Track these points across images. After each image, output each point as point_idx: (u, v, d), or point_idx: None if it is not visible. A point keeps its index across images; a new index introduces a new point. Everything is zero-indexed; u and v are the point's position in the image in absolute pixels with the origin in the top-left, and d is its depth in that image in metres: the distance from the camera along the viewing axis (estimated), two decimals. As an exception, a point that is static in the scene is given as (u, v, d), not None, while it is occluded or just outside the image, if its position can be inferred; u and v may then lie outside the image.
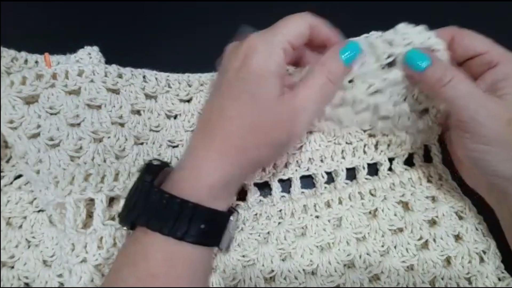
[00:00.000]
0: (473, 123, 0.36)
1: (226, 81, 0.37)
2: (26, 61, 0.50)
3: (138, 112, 0.45)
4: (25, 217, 0.42)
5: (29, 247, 0.41)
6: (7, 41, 0.52)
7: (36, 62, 0.51)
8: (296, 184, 0.44)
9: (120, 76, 0.45)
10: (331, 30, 0.40)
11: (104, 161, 0.41)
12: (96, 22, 0.57)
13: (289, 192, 0.44)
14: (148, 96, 0.46)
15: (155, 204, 0.34)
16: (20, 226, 0.42)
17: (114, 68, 0.44)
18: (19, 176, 0.44)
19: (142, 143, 0.44)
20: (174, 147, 0.46)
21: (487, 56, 0.39)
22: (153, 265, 0.33)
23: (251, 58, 0.36)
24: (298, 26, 0.37)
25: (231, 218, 0.38)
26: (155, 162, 0.38)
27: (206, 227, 0.35)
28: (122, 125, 0.44)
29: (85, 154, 0.41)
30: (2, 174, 0.44)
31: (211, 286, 0.39)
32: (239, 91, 0.36)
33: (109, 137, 0.42)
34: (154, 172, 0.37)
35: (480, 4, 0.55)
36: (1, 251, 0.40)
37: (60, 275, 0.39)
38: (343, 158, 0.45)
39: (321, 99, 0.38)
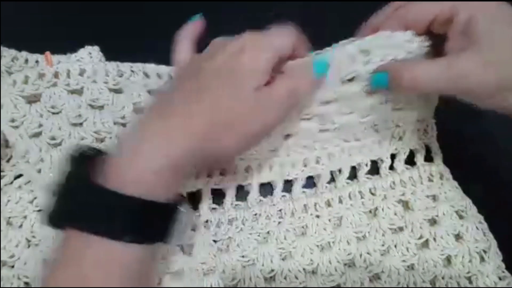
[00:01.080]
0: (463, 95, 0.36)
1: (210, 63, 0.36)
2: (26, 61, 0.51)
3: (141, 111, 0.45)
4: (25, 217, 0.42)
5: (29, 246, 0.41)
6: (7, 41, 0.52)
7: (37, 61, 0.51)
8: (299, 184, 0.44)
9: (120, 75, 0.44)
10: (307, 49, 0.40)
11: None
12: (96, 22, 0.57)
13: (289, 191, 0.44)
14: (151, 93, 0.46)
15: (84, 200, 0.30)
16: (20, 226, 0.41)
17: (113, 66, 0.44)
18: (20, 175, 0.43)
19: None
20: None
21: (441, 16, 0.37)
22: (86, 269, 0.30)
23: (243, 52, 0.35)
24: (289, 40, 0.37)
25: (181, 209, 0.34)
26: (86, 151, 0.34)
27: (148, 222, 0.31)
28: (124, 125, 0.44)
29: None
30: (2, 173, 0.43)
31: (211, 287, 0.39)
32: (224, 75, 0.35)
33: (111, 138, 0.42)
34: (83, 163, 0.32)
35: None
36: (1, 250, 0.40)
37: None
38: (350, 155, 0.45)
39: (292, 100, 0.37)
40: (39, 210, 0.42)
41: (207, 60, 0.36)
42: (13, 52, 0.51)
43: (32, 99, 0.42)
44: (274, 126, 0.37)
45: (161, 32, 0.58)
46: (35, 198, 0.42)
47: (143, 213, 0.31)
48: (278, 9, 0.58)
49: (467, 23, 0.36)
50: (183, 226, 0.35)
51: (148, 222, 0.31)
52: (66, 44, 0.52)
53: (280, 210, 0.42)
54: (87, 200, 0.30)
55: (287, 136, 0.43)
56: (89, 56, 0.48)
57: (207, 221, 0.42)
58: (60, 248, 0.31)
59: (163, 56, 0.51)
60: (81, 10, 0.59)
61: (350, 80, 0.38)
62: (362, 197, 0.43)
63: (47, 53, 0.46)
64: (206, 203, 0.42)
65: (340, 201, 0.43)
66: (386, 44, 0.38)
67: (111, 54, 0.51)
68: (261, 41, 0.36)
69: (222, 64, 0.35)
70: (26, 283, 0.40)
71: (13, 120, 0.40)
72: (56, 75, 0.42)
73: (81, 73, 0.43)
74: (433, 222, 0.42)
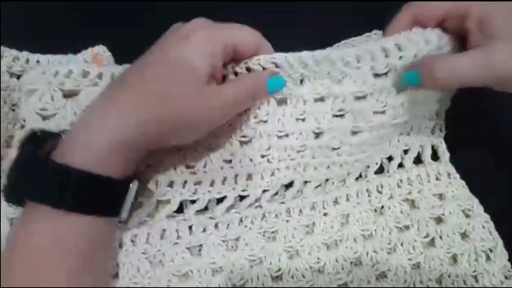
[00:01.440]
0: (499, 83, 0.37)
1: (160, 47, 0.37)
2: (27, 61, 0.50)
3: None
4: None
5: None
6: (7, 41, 0.52)
7: (38, 61, 0.50)
8: (314, 185, 0.43)
9: None
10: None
11: None
12: (96, 22, 0.57)
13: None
14: None
15: (38, 175, 0.32)
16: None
17: None
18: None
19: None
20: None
21: (454, 12, 0.39)
22: (41, 240, 0.32)
23: (192, 35, 0.36)
24: (248, 35, 0.38)
25: (131, 185, 0.36)
26: (40, 132, 0.36)
27: (98, 196, 0.33)
28: None
29: None
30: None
31: (217, 287, 0.39)
32: (169, 58, 0.35)
33: None
34: (38, 141, 0.35)
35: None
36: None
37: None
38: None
39: (239, 105, 0.38)
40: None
41: (158, 45, 0.37)
42: (14, 52, 0.50)
43: (69, 95, 0.41)
44: (217, 124, 0.38)
45: (161, 32, 0.58)
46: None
47: (91, 185, 0.33)
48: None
49: (482, 17, 0.37)
50: (130, 203, 0.36)
51: (96, 194, 0.33)
52: (66, 44, 0.52)
53: (288, 208, 0.42)
54: (39, 174, 0.32)
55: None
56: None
57: (217, 223, 0.41)
58: (18, 223, 0.33)
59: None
60: (81, 10, 0.58)
61: (385, 74, 0.39)
62: (369, 195, 0.43)
63: (100, 53, 0.45)
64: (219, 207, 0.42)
65: (348, 199, 0.43)
66: (418, 40, 0.39)
67: (111, 54, 0.51)
68: (213, 26, 0.37)
69: (171, 50, 0.36)
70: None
71: (44, 109, 0.40)
72: (99, 76, 0.41)
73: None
74: (439, 220, 0.42)
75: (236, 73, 0.40)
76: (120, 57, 0.51)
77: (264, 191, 0.42)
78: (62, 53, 0.51)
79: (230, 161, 0.42)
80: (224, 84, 0.38)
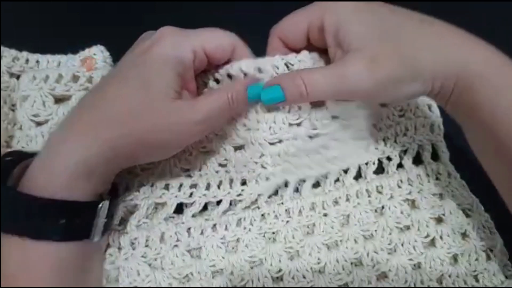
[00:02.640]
0: (353, 95, 0.36)
1: (124, 62, 0.36)
2: (27, 61, 0.50)
3: None
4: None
5: None
6: (7, 41, 0.52)
7: (37, 61, 0.50)
8: (310, 183, 0.43)
9: None
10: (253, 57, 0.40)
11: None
12: (97, 22, 0.57)
13: (297, 190, 0.44)
14: None
15: (5, 205, 0.32)
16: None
17: None
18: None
19: None
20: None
21: (312, 28, 0.38)
22: (10, 268, 0.31)
23: (157, 45, 0.35)
24: (220, 38, 0.37)
25: (100, 206, 0.35)
26: (7, 157, 0.35)
27: (68, 221, 0.32)
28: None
29: None
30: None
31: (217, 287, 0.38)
32: (132, 74, 0.35)
33: None
34: (9, 168, 0.34)
35: (481, 4, 0.56)
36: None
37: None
38: (358, 154, 0.45)
39: (215, 120, 0.37)
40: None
41: (121, 62, 0.37)
42: (13, 52, 0.50)
43: (60, 100, 0.41)
44: (191, 140, 0.37)
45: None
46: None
47: (63, 213, 0.32)
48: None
49: (335, 27, 0.36)
50: (100, 223, 0.35)
51: (70, 220, 0.33)
52: (66, 44, 0.52)
53: (288, 209, 0.42)
54: (6, 204, 0.32)
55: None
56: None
57: (215, 225, 0.41)
58: None
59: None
60: (81, 10, 0.58)
61: None
62: (369, 196, 0.43)
63: (89, 57, 0.44)
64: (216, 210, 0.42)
65: (348, 200, 0.43)
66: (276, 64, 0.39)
67: (111, 54, 0.51)
68: (179, 33, 0.36)
69: (132, 66, 0.35)
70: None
71: (36, 116, 0.40)
72: (90, 80, 0.41)
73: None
74: (439, 220, 0.42)
75: (217, 81, 0.40)
76: (120, 57, 0.51)
77: (260, 195, 0.42)
78: (62, 53, 0.51)
79: (225, 165, 0.42)
80: (197, 98, 0.37)
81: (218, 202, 0.42)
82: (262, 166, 0.41)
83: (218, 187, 0.42)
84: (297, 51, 0.40)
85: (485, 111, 0.34)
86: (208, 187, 0.42)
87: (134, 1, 0.58)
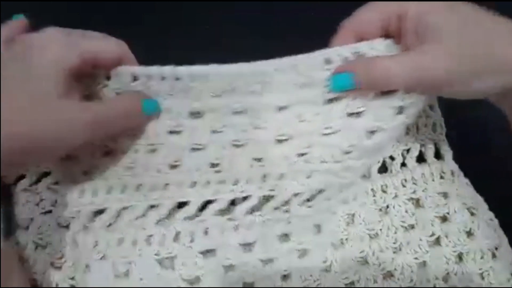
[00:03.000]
0: (429, 86, 0.36)
1: (8, 59, 0.33)
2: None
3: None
4: (32, 219, 0.41)
5: (36, 248, 0.40)
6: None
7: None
8: None
9: (176, 78, 0.39)
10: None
11: (159, 171, 0.40)
12: (96, 22, 0.56)
13: None
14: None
15: None
16: (27, 228, 0.41)
17: (168, 70, 0.39)
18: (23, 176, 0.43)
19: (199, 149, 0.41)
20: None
21: (393, 18, 0.38)
22: None
23: (48, 45, 0.33)
24: (109, 44, 0.36)
25: None
26: None
27: None
28: (178, 133, 0.40)
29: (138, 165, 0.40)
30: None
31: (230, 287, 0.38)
32: (13, 73, 0.32)
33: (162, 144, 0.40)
34: None
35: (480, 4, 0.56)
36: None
37: (72, 278, 0.39)
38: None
39: (110, 125, 0.36)
40: (45, 213, 0.41)
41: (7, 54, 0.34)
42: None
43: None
44: (74, 146, 0.35)
45: (162, 32, 0.58)
46: (42, 200, 0.41)
47: None
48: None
49: (418, 17, 0.36)
50: None
51: None
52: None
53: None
54: None
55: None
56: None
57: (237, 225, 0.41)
58: None
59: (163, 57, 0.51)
60: (81, 10, 0.58)
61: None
62: (374, 195, 0.43)
63: None
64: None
65: (354, 199, 0.42)
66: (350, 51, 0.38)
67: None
68: (69, 34, 0.35)
69: (18, 62, 0.33)
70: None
71: None
72: (108, 77, 0.40)
73: (135, 78, 0.39)
74: (444, 219, 0.42)
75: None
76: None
77: (296, 194, 0.40)
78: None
79: (260, 159, 0.40)
80: (96, 101, 0.37)
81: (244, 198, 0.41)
82: (306, 161, 0.40)
83: (247, 182, 0.40)
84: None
85: None
86: (236, 182, 0.40)
87: (134, 1, 0.58)
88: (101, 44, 0.36)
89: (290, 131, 0.39)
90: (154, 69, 0.37)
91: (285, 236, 0.40)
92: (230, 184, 0.40)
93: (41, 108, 0.32)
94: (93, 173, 0.40)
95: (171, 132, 0.39)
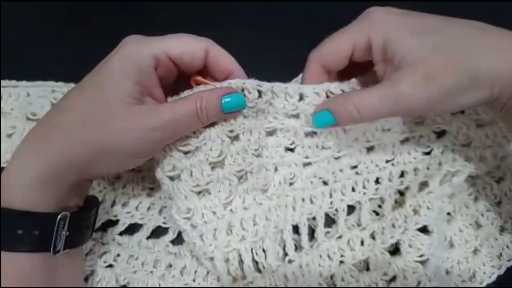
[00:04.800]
0: (408, 114, 0.38)
1: (86, 76, 0.35)
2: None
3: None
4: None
5: None
6: (7, 42, 0.52)
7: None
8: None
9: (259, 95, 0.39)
10: (235, 64, 0.38)
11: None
12: (97, 22, 0.56)
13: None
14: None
15: None
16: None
17: (252, 84, 0.38)
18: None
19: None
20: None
21: (358, 49, 0.37)
22: None
23: (115, 53, 0.34)
24: (187, 43, 0.35)
25: (59, 217, 0.33)
26: None
27: (26, 232, 0.32)
28: (258, 156, 0.40)
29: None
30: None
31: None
32: (87, 83, 0.34)
33: (251, 172, 0.39)
34: None
35: (481, 4, 0.56)
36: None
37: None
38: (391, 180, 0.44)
39: (179, 128, 0.35)
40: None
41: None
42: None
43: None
44: (154, 148, 0.35)
45: (161, 31, 0.58)
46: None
47: (20, 223, 0.32)
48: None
49: (383, 44, 0.35)
50: (63, 234, 0.34)
51: (28, 231, 0.32)
52: (67, 45, 0.52)
53: None
54: None
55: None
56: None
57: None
58: None
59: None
60: (81, 11, 0.58)
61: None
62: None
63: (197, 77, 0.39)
64: None
65: (362, 244, 0.41)
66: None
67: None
68: (141, 40, 0.35)
69: (88, 76, 0.35)
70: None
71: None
72: None
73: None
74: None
75: None
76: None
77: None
78: (61, 53, 0.51)
79: (356, 167, 0.43)
80: (162, 104, 0.36)
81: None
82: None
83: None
84: (337, 73, 0.40)
85: None
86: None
87: (134, 1, 0.58)
88: (176, 42, 0.35)
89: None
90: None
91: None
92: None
93: (107, 115, 0.33)
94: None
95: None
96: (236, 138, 0.38)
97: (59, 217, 0.33)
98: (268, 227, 0.40)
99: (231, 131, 0.37)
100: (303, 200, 0.42)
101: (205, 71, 0.38)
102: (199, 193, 0.38)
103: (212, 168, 0.38)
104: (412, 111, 0.36)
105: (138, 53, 0.34)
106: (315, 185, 0.42)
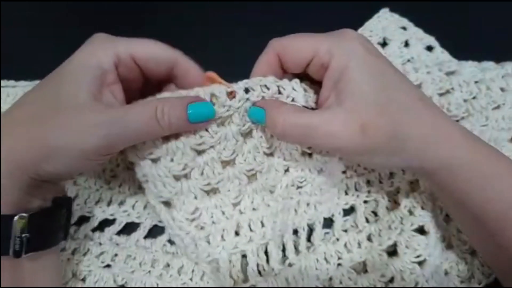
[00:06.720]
0: (331, 151, 0.37)
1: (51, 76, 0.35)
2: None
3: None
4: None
5: None
6: (7, 42, 0.52)
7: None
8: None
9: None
10: (199, 74, 0.37)
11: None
12: (97, 22, 0.56)
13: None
14: None
15: None
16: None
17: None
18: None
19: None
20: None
21: (316, 60, 0.35)
22: None
23: (80, 49, 0.34)
24: (154, 49, 0.35)
25: (15, 219, 0.31)
26: None
27: None
28: (271, 154, 0.40)
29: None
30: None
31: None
32: (49, 77, 0.34)
33: (261, 172, 0.39)
34: None
35: (480, 4, 0.56)
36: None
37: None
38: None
39: (132, 129, 0.33)
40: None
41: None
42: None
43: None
44: (95, 149, 0.32)
45: (160, 31, 0.58)
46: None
47: None
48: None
49: (340, 72, 0.34)
50: (25, 237, 0.32)
51: None
52: (67, 45, 0.52)
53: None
54: None
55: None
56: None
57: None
58: None
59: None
60: (81, 11, 0.58)
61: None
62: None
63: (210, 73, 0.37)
64: None
65: (359, 246, 0.41)
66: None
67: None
68: (106, 38, 0.35)
69: (53, 71, 0.34)
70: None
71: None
72: (231, 94, 0.36)
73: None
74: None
75: None
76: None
77: None
78: (61, 53, 0.51)
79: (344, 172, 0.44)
80: (123, 106, 0.35)
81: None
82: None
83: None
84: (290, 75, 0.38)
85: (475, 200, 0.34)
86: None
87: (134, 1, 0.58)
88: (144, 49, 0.35)
89: None
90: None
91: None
92: None
93: (54, 110, 0.32)
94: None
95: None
96: (249, 134, 0.38)
97: (15, 219, 0.32)
98: (274, 229, 0.39)
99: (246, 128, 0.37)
100: (307, 205, 0.41)
101: (175, 83, 0.38)
102: (208, 192, 0.38)
103: (223, 166, 0.38)
104: (338, 151, 0.36)
105: (100, 50, 0.34)
106: (323, 192, 0.42)
